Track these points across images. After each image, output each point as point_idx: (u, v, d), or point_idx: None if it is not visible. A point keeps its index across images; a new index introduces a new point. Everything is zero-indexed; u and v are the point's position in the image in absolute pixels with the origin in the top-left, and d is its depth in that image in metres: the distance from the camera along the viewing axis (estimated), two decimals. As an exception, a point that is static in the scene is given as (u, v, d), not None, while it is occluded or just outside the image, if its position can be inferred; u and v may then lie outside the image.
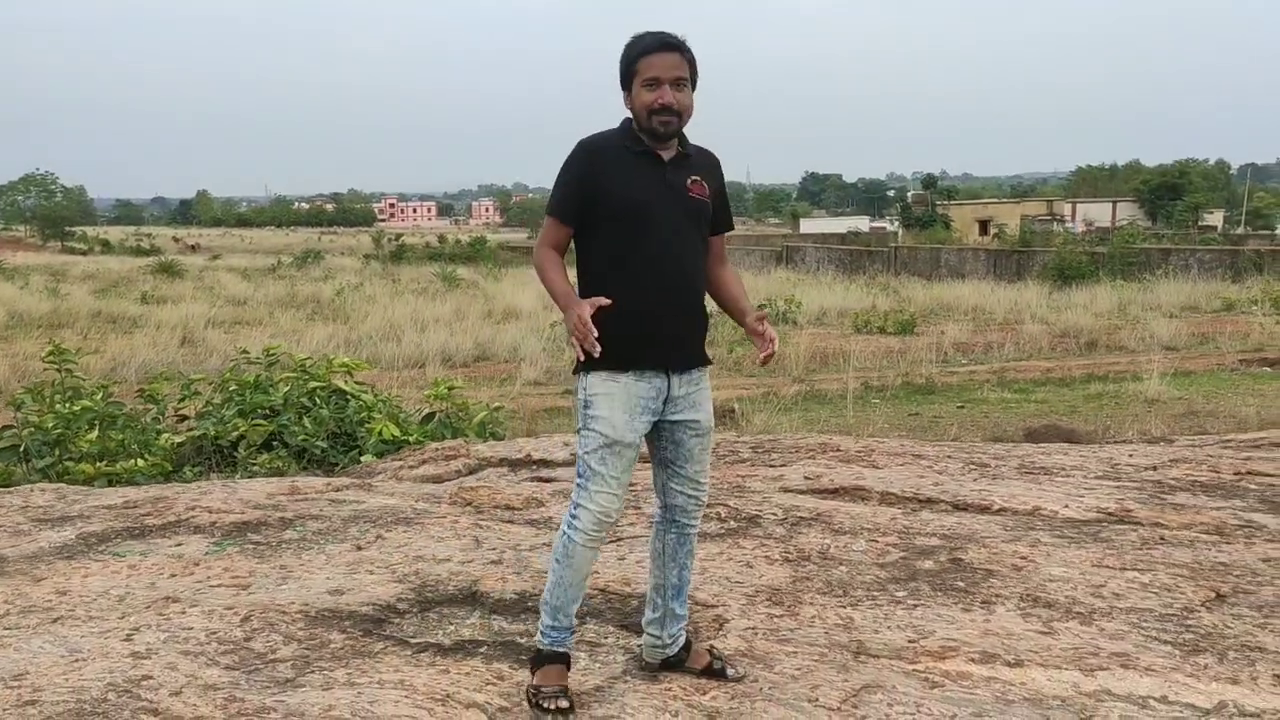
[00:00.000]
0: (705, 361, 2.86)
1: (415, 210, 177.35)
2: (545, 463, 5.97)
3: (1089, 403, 12.40)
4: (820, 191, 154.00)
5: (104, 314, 23.41)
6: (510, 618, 3.39)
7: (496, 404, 9.50)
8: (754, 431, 9.65)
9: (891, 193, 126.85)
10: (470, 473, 5.98)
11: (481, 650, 3.14)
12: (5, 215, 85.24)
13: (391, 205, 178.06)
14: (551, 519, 4.54)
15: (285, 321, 21.67)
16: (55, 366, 8.23)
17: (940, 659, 3.10)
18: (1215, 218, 58.18)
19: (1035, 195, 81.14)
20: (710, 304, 2.94)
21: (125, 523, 4.45)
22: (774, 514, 4.52)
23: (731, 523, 4.44)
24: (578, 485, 2.76)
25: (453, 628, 3.32)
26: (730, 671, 2.95)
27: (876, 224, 79.01)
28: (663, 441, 2.83)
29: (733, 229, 3.06)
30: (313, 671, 2.94)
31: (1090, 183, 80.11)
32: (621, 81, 2.76)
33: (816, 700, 2.85)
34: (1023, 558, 3.97)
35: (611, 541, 4.14)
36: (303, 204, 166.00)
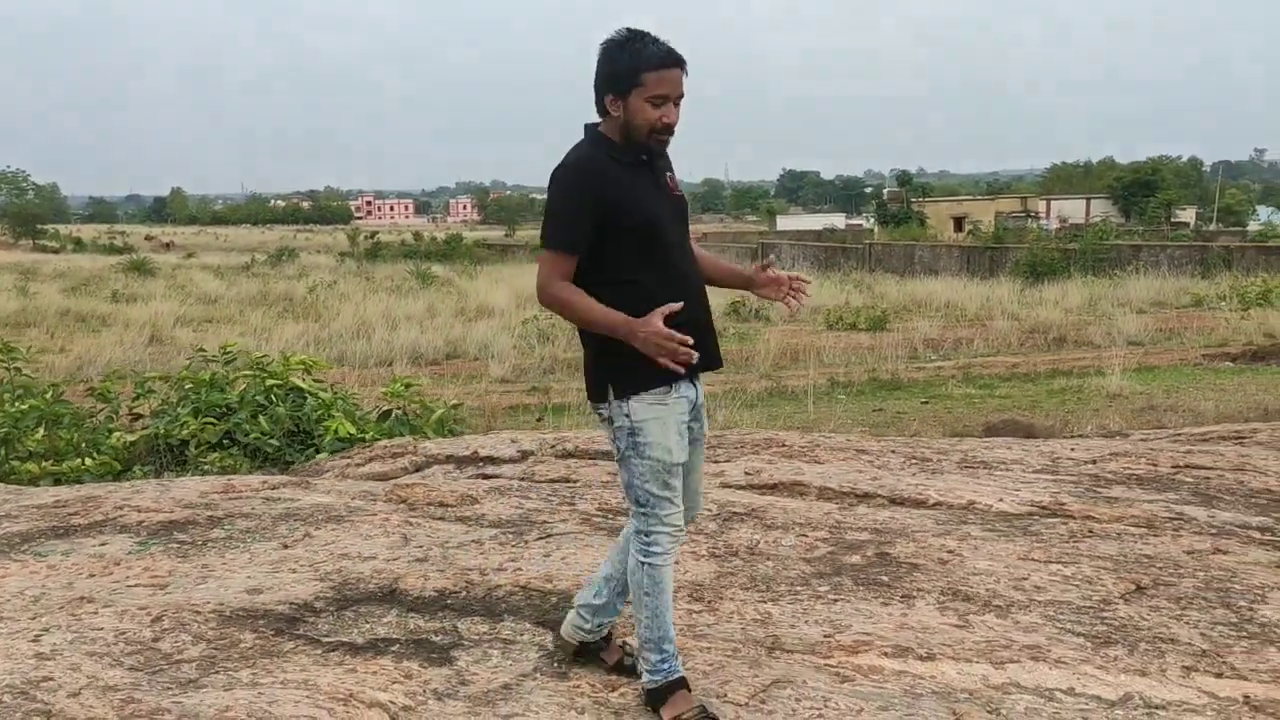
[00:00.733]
0: (721, 362, 2.77)
1: (392, 208, 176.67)
2: (491, 459, 5.93)
3: (1051, 398, 12.47)
4: (798, 189, 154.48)
5: (73, 312, 23.21)
6: (427, 616, 3.36)
7: (456, 402, 9.47)
8: (712, 428, 9.63)
9: (869, 190, 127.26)
10: (416, 470, 5.93)
11: (394, 648, 3.11)
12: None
13: (368, 203, 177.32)
14: (484, 515, 4.50)
15: (256, 320, 21.53)
16: (4, 365, 8.15)
17: (853, 653, 3.10)
18: (1188, 214, 58.73)
19: (1010, 192, 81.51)
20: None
21: (51, 522, 4.38)
22: (708, 510, 4.49)
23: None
24: (641, 514, 2.66)
25: (368, 626, 3.29)
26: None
27: (853, 221, 79.43)
28: None
29: None
30: (217, 672, 2.90)
31: (1065, 180, 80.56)
32: (613, 85, 2.58)
33: (725, 696, 2.84)
34: (950, 551, 3.96)
35: (539, 539, 4.12)
36: (279, 201, 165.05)
